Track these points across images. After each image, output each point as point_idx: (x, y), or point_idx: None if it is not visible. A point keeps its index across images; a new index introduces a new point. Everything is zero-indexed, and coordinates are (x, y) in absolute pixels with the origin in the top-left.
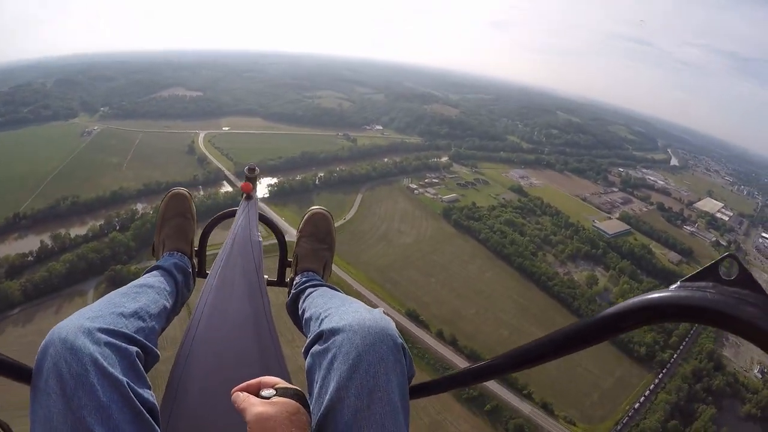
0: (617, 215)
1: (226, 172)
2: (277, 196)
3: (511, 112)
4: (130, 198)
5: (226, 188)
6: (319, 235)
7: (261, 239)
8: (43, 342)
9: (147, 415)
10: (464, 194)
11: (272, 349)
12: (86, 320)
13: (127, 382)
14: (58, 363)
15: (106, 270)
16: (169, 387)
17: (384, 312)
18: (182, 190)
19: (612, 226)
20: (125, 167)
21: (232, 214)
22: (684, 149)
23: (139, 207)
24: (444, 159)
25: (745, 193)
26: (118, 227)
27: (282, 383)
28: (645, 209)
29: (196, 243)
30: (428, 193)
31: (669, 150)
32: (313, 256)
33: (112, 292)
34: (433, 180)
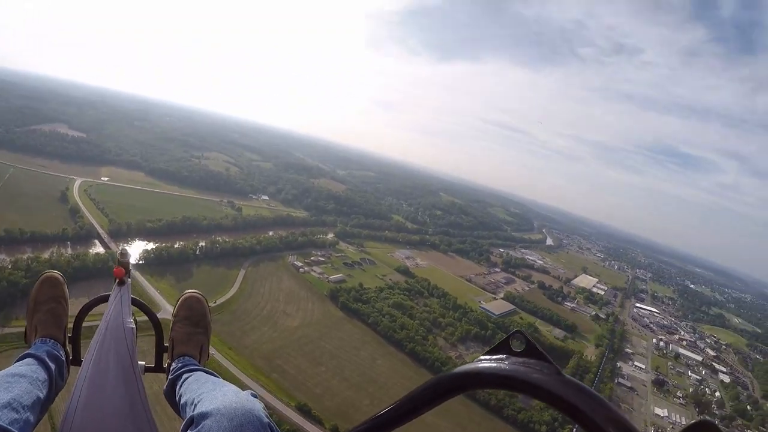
0: (502, 295)
1: (100, 230)
2: (153, 264)
3: (395, 191)
4: None
5: (98, 248)
6: (194, 319)
7: (134, 326)
8: None
9: None
10: (351, 274)
11: None
12: None
13: None
14: None
15: None
16: None
17: (253, 394)
18: (55, 273)
19: (498, 306)
20: None
21: (105, 299)
22: (557, 229)
23: None
24: (330, 236)
25: (616, 267)
26: None
27: None
28: (527, 288)
29: (70, 329)
30: (314, 271)
31: (544, 230)
32: (188, 340)
33: None
34: (320, 258)
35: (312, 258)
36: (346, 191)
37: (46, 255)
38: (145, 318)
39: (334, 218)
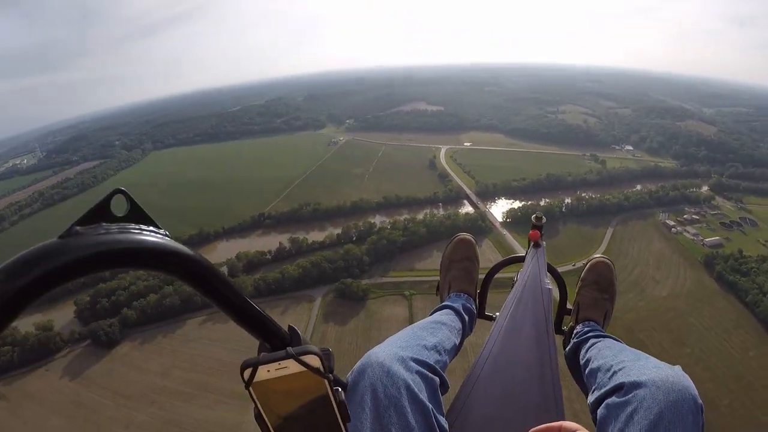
0: None
1: (467, 191)
2: (521, 222)
3: None
4: (369, 210)
5: (467, 208)
6: (603, 284)
7: (551, 287)
8: (360, 362)
9: None
10: (729, 237)
11: (552, 397)
12: (399, 349)
13: (432, 408)
14: (375, 383)
15: (336, 281)
16: (450, 415)
17: (684, 370)
18: (468, 236)
19: None
20: (367, 179)
21: (519, 260)
22: None
23: (377, 220)
24: (704, 189)
25: None
26: (354, 238)
27: (583, 430)
28: None
29: (479, 286)
30: (687, 232)
31: None
32: (595, 305)
33: (413, 326)
34: (693, 216)
35: (684, 216)
36: (717, 134)
37: (420, 216)
38: None
39: (707, 168)
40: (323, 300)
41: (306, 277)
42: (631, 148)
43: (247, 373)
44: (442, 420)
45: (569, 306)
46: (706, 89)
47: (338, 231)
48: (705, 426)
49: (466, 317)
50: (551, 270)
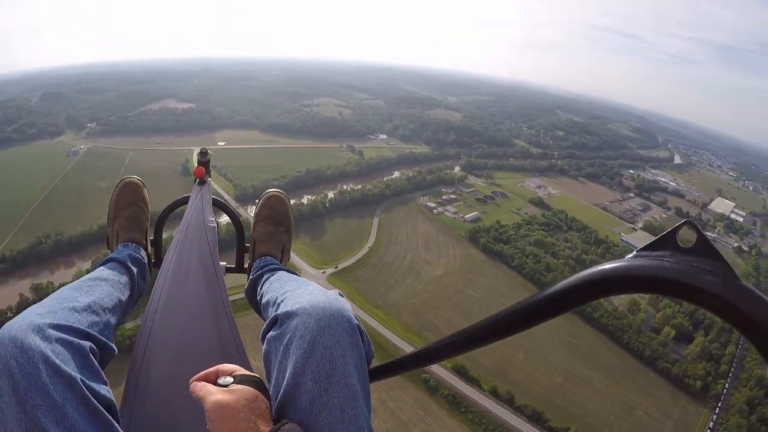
0: (641, 225)
1: (226, 197)
2: None
3: (512, 114)
4: None
5: (226, 217)
6: (276, 218)
7: (215, 225)
8: None
9: (104, 411)
10: (485, 211)
11: (231, 337)
12: (36, 317)
13: (81, 379)
14: (9, 363)
15: None
16: (129, 381)
17: (340, 293)
18: (135, 178)
19: (639, 238)
20: None
21: (186, 200)
22: (683, 144)
23: None
24: (457, 170)
25: (751, 189)
26: None
27: (240, 371)
28: (665, 216)
29: (151, 233)
30: (448, 212)
31: (670, 146)
32: (270, 240)
33: (64, 287)
34: (451, 196)
35: (443, 197)
36: (463, 120)
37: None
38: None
39: (457, 150)
40: None
41: None
42: (385, 136)
43: None
44: (102, 389)
45: (248, 244)
46: (447, 79)
47: (87, 265)
48: (370, 342)
49: (135, 269)
50: (222, 207)
